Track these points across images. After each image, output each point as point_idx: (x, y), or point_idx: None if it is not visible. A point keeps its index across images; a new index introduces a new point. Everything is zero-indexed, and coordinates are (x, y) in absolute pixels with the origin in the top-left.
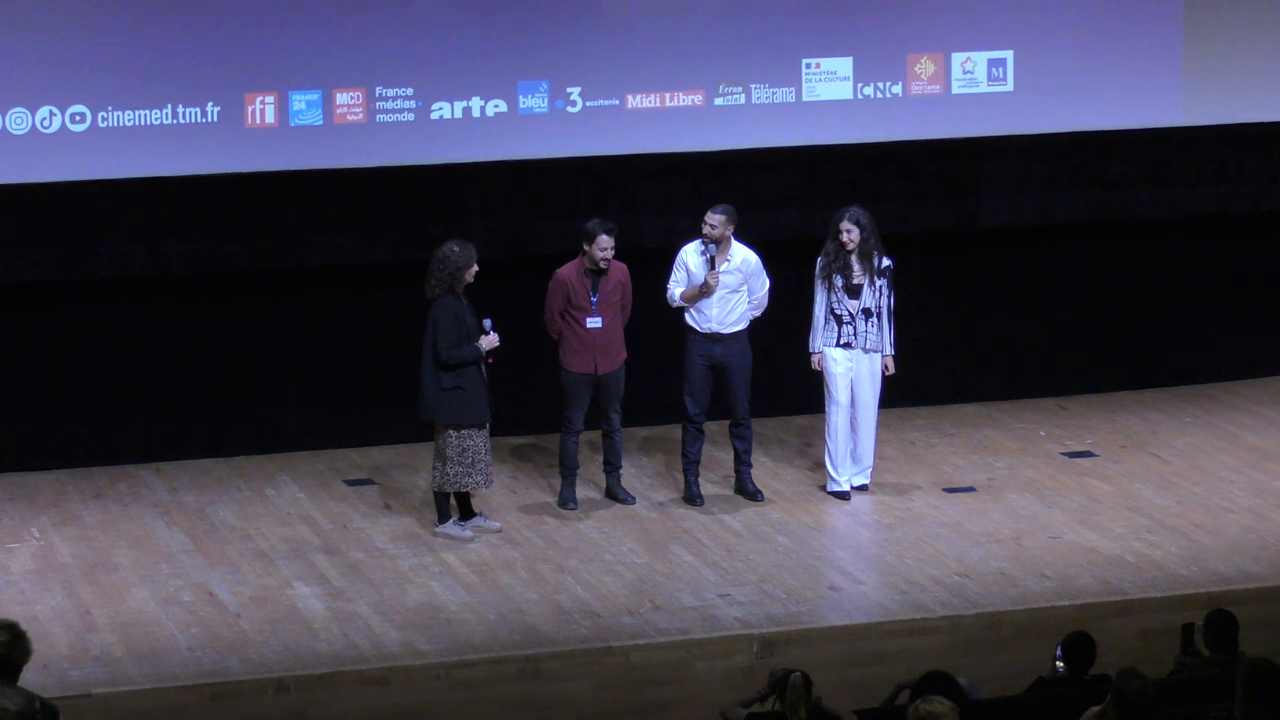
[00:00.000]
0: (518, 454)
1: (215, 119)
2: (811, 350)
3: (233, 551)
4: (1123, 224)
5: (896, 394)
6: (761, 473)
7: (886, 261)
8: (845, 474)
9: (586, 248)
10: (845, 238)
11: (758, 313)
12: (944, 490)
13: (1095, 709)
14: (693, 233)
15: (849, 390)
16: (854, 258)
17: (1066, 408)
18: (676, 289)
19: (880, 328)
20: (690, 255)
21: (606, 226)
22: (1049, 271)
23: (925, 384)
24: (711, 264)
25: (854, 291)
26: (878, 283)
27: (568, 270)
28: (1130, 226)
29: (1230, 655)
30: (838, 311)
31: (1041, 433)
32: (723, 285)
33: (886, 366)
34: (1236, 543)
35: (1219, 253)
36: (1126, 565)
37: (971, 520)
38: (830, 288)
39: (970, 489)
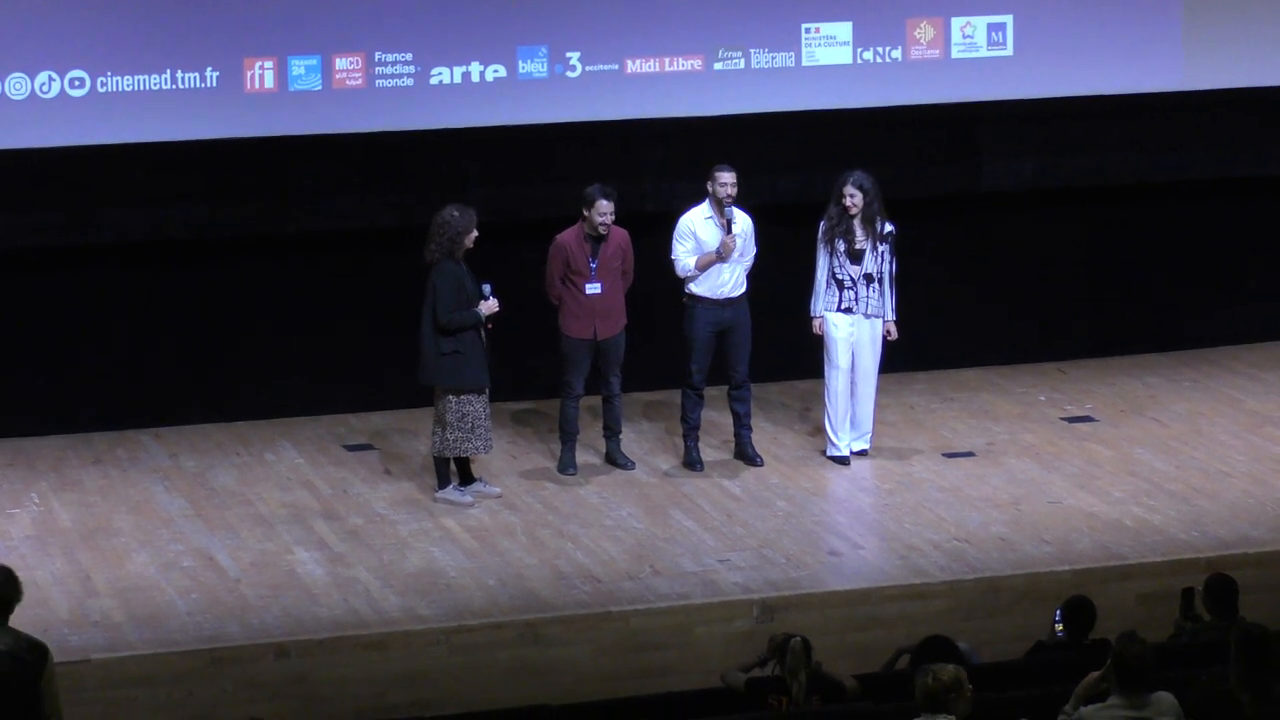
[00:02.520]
0: (518, 419)
1: (214, 84)
2: (812, 314)
3: (232, 517)
4: (1122, 188)
5: (896, 359)
6: (761, 437)
7: (889, 227)
8: (845, 439)
9: (586, 213)
10: (849, 202)
11: (749, 272)
12: (943, 455)
13: (1095, 674)
14: (692, 197)
15: (849, 355)
16: (857, 222)
17: (1066, 372)
18: (688, 259)
19: (882, 293)
20: (696, 222)
21: (605, 191)
22: (1048, 236)
23: (925, 349)
24: (728, 228)
25: (856, 256)
26: (880, 248)
27: (568, 236)
28: (1130, 191)
29: (1230, 620)
30: (839, 276)
31: (1041, 397)
32: (736, 250)
33: (889, 332)
34: (1236, 507)
35: (1218, 217)
36: (1126, 530)
37: (971, 485)
38: (832, 252)
39: (970, 454)
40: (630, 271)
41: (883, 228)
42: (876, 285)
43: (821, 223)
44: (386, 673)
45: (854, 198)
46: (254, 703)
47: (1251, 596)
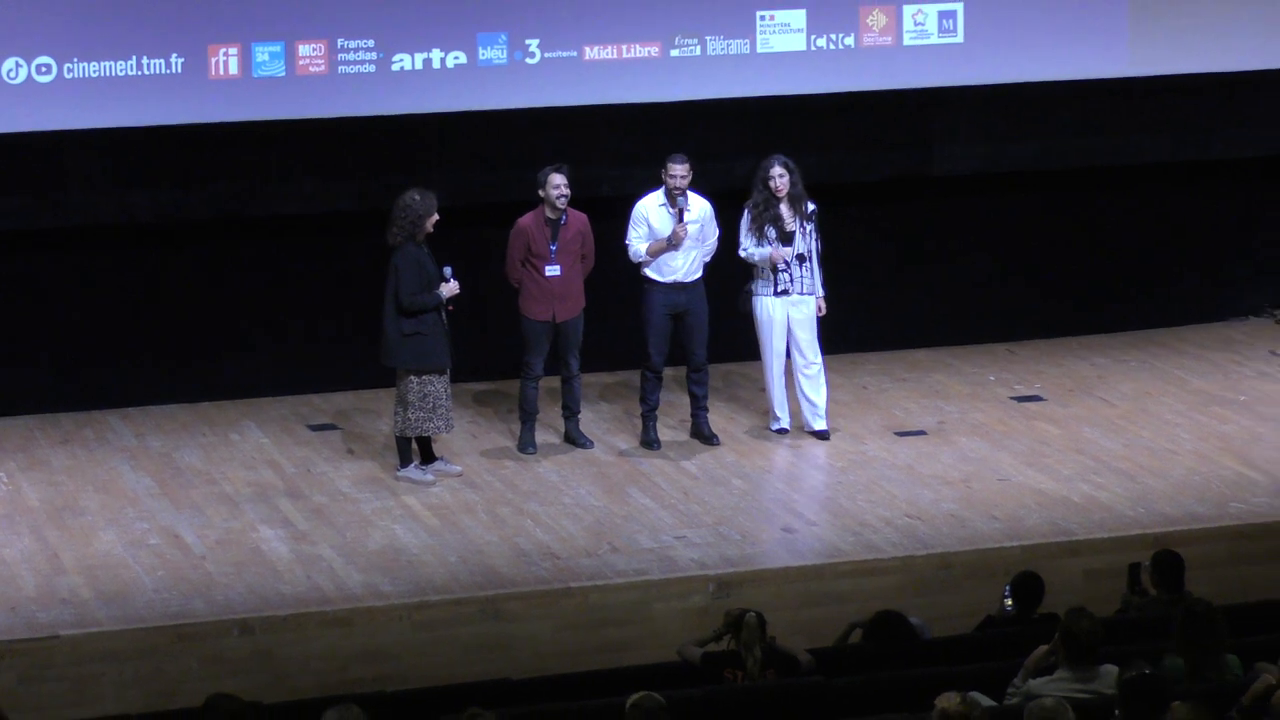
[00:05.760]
0: (479, 399)
1: (179, 70)
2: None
3: (198, 495)
4: (1071, 173)
5: (849, 340)
6: (718, 418)
7: (812, 206)
8: (785, 412)
9: (542, 193)
10: (778, 183)
11: (708, 259)
12: (895, 434)
13: (1043, 647)
14: (649, 182)
15: (784, 338)
16: (784, 205)
17: (1016, 353)
18: (640, 244)
19: (812, 271)
20: (650, 209)
21: (555, 167)
22: (999, 219)
23: (878, 330)
24: (680, 216)
25: (787, 239)
26: (806, 227)
27: (527, 219)
28: (1078, 175)
29: (1176, 595)
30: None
31: (991, 377)
32: (687, 235)
33: (820, 308)
34: (1181, 484)
35: (1165, 201)
36: (1074, 506)
37: (922, 463)
38: (762, 239)
39: (921, 433)
40: (590, 255)
41: (807, 207)
42: (807, 264)
43: (746, 210)
44: (349, 648)
45: (782, 179)
46: (219, 678)
47: (1197, 572)
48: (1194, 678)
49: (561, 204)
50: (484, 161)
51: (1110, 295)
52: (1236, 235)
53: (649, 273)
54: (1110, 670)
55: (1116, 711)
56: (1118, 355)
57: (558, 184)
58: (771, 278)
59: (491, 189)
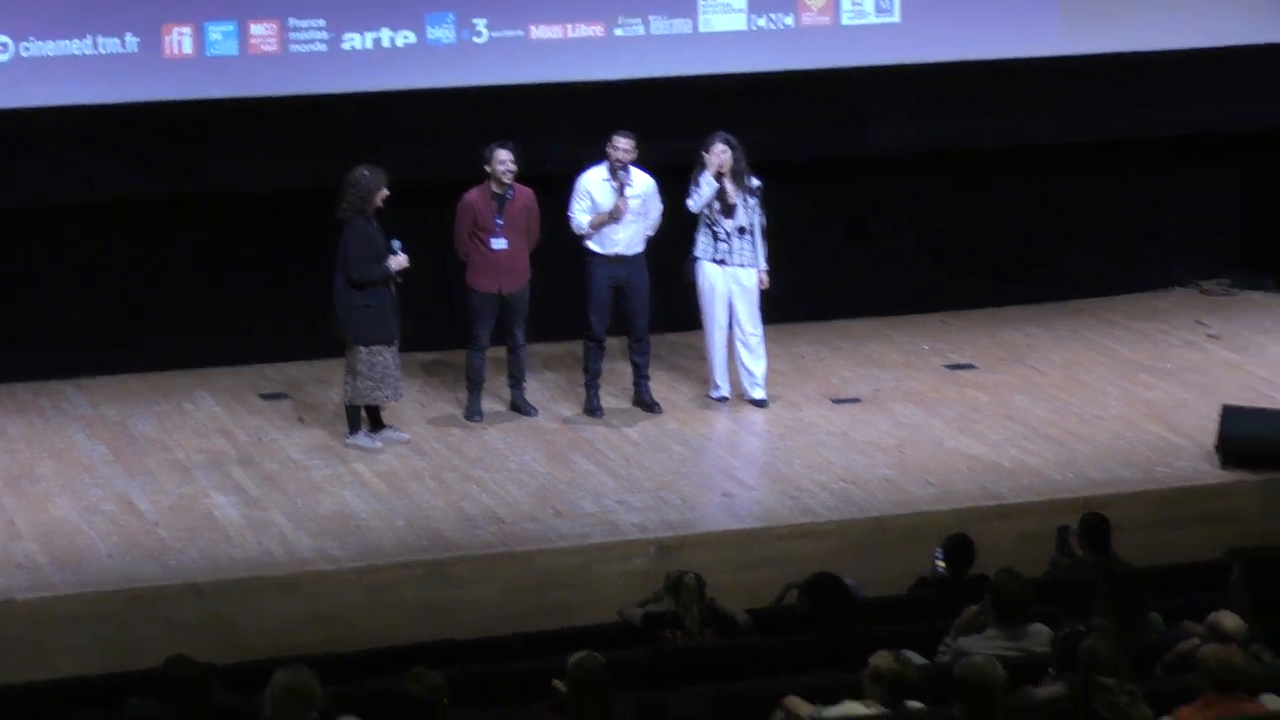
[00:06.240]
0: (427, 369)
1: (135, 49)
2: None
3: (151, 462)
4: (1003, 149)
5: (787, 310)
6: (659, 386)
7: (757, 181)
8: (725, 381)
9: (488, 169)
10: (722, 159)
11: (651, 233)
12: (832, 401)
13: (974, 608)
14: (594, 158)
15: (725, 309)
16: (727, 179)
17: (949, 323)
18: (582, 216)
19: (754, 244)
20: (593, 183)
21: (501, 143)
22: (935, 195)
23: (815, 301)
24: (621, 190)
25: (729, 211)
26: (750, 201)
27: (474, 194)
28: (1010, 151)
29: (1103, 556)
30: (715, 230)
31: (925, 346)
32: (628, 210)
33: (762, 281)
34: (1109, 449)
35: (1094, 176)
36: (1004, 471)
37: (857, 430)
38: (706, 210)
39: (856, 400)
40: (536, 229)
41: (751, 182)
42: (749, 237)
43: (691, 187)
44: (300, 611)
45: (725, 154)
46: (172, 641)
47: (1123, 534)
48: (1120, 636)
49: (507, 179)
50: (432, 138)
51: (1041, 267)
52: (1164, 209)
53: (591, 245)
54: (1039, 629)
55: (1050, 670)
56: (1048, 325)
57: (503, 160)
58: (713, 244)
59: (440, 165)
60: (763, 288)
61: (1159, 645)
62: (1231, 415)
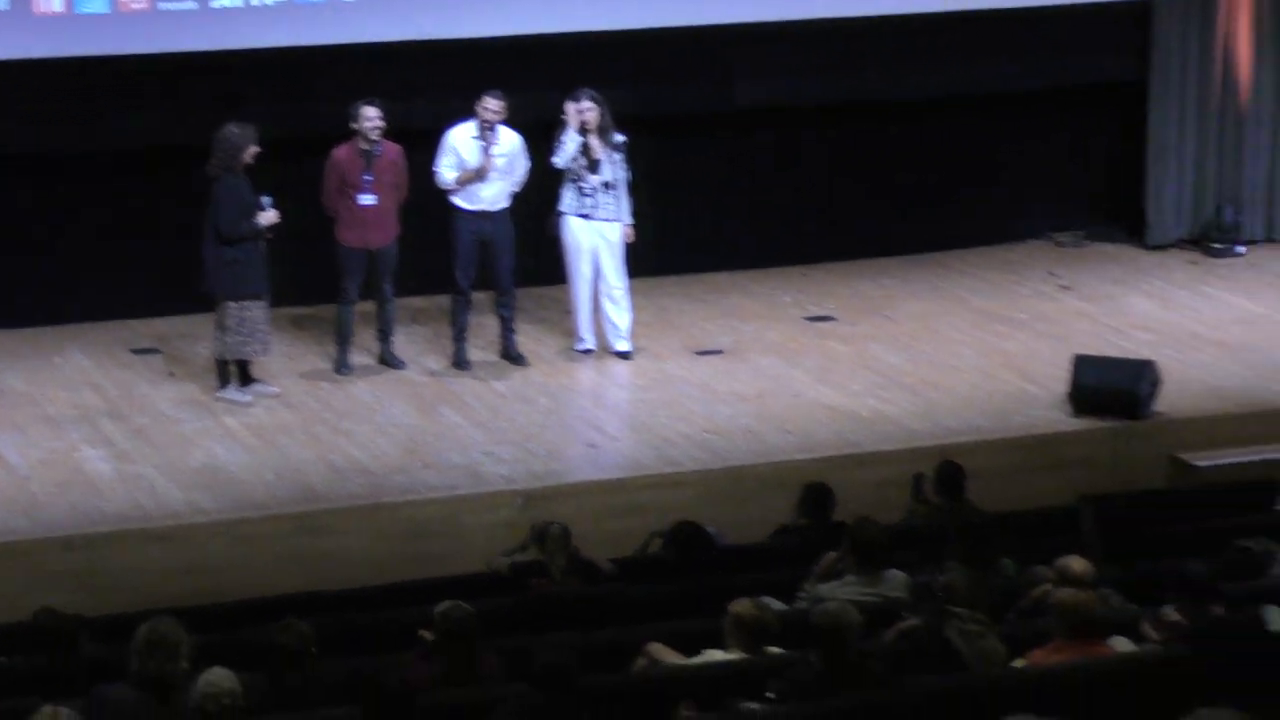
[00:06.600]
0: (296, 323)
1: (6, 6)
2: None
3: (21, 417)
4: (865, 104)
5: (651, 263)
6: (526, 339)
7: (621, 137)
8: (590, 333)
9: (355, 126)
10: (587, 116)
11: (517, 189)
12: (694, 353)
13: (832, 554)
14: (463, 115)
15: (590, 263)
16: (593, 135)
17: (809, 275)
18: (448, 172)
19: (619, 199)
20: (459, 139)
21: (368, 100)
22: (795, 150)
23: (678, 254)
24: (487, 149)
25: (594, 166)
26: (615, 157)
27: (342, 150)
28: (871, 106)
29: (958, 503)
30: (580, 185)
31: (785, 298)
32: (494, 168)
33: (628, 235)
34: (964, 398)
35: (951, 130)
36: (862, 420)
37: (719, 381)
38: (571, 165)
39: (718, 352)
40: (404, 185)
41: (615, 138)
42: (614, 192)
43: (555, 143)
44: (170, 563)
45: (590, 110)
46: (41, 594)
47: (978, 481)
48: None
49: (374, 135)
50: (302, 95)
51: (898, 221)
52: (1017, 162)
53: (457, 201)
54: (895, 575)
55: (904, 614)
56: (905, 277)
57: (370, 116)
58: (578, 198)
59: (309, 122)
60: (628, 241)
61: (1011, 590)
62: (1083, 364)
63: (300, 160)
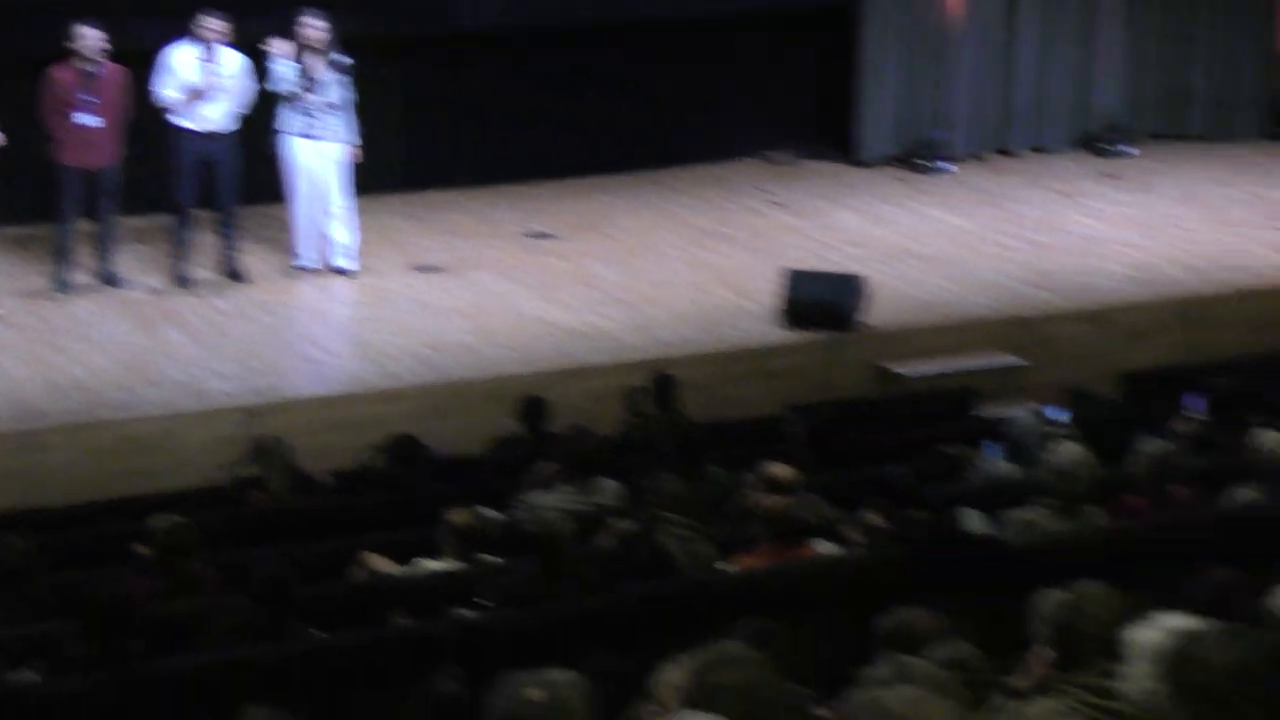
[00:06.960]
0: (16, 243)
1: None
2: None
3: None
4: (581, 27)
5: (372, 182)
6: (249, 258)
7: (346, 59)
8: (308, 251)
9: (73, 47)
10: (311, 34)
11: (242, 111)
12: (414, 270)
13: (550, 465)
14: (182, 34)
15: (309, 181)
16: (318, 56)
17: (528, 193)
18: (168, 91)
19: (344, 120)
20: (180, 59)
21: (85, 21)
22: (515, 71)
23: (400, 173)
24: (209, 69)
25: (314, 87)
26: (340, 78)
27: (61, 70)
28: (592, 28)
29: (671, 413)
30: (304, 106)
31: (504, 215)
32: (219, 89)
33: (356, 155)
34: (678, 313)
35: (667, 52)
36: (580, 335)
37: (439, 297)
38: (295, 87)
39: (439, 269)
40: (129, 105)
41: (340, 59)
42: (338, 113)
43: (269, 66)
44: None
45: (316, 29)
46: None
47: (691, 392)
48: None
49: (92, 55)
50: (19, 14)
51: (616, 138)
52: (730, 82)
53: (182, 121)
54: (608, 484)
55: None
56: (622, 194)
57: (85, 35)
58: (301, 119)
59: (30, 41)
60: (357, 161)
61: (720, 497)
62: (794, 279)
63: (19, 78)
